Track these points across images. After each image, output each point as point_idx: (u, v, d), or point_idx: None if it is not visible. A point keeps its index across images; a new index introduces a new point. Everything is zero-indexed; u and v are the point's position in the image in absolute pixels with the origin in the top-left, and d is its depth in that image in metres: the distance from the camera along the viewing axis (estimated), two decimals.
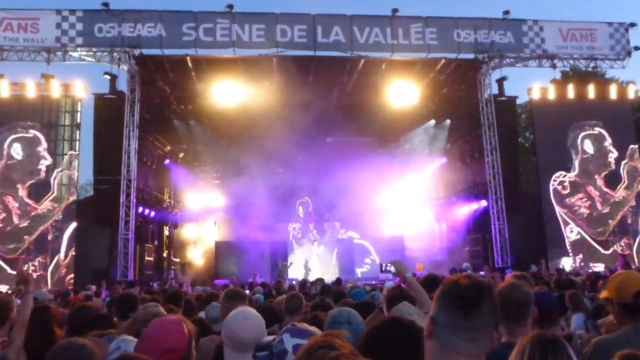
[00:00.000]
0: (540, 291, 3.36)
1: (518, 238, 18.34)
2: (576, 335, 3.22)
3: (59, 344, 2.55)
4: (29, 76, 17.64)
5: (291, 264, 19.93)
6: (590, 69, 20.93)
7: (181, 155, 23.47)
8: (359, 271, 21.16)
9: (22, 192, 16.72)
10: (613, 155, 19.45)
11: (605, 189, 19.15)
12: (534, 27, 19.08)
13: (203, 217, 22.89)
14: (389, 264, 3.64)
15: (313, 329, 1.96)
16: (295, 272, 19.65)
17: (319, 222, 23.18)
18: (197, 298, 6.02)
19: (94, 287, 9.16)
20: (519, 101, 21.69)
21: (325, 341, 1.33)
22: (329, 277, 15.95)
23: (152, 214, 19.78)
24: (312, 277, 17.48)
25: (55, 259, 16.58)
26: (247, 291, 9.63)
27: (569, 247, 18.65)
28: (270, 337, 1.99)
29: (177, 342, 2.00)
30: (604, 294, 2.69)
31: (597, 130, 19.51)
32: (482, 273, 15.93)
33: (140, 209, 18.16)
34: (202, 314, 5.20)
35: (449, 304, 1.45)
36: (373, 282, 14.98)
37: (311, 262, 21.18)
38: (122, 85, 17.71)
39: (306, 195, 22.57)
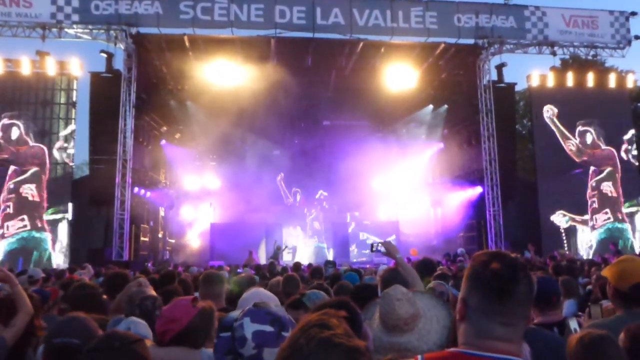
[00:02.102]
0: (541, 276, 3.39)
1: (513, 225, 18.47)
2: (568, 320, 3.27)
3: (60, 318, 2.58)
4: (23, 53, 17.45)
5: (285, 247, 20.02)
6: (590, 57, 20.84)
7: (177, 135, 23.32)
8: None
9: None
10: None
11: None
12: (536, 13, 18.93)
13: (199, 198, 22.86)
14: (379, 244, 3.65)
15: (275, 309, 1.79)
16: (288, 255, 19.80)
17: (312, 205, 23.23)
18: (193, 279, 6.04)
19: (90, 266, 9.16)
20: (517, 88, 21.65)
21: (320, 320, 1.30)
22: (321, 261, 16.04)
23: (148, 194, 19.74)
24: (303, 260, 17.65)
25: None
26: (240, 270, 9.70)
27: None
28: (236, 313, 1.84)
29: (178, 314, 2.28)
30: (605, 272, 2.70)
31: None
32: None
33: (136, 189, 18.12)
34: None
35: (480, 288, 1.35)
36: (367, 266, 15.07)
37: (302, 245, 21.38)
38: (119, 63, 17.55)
39: (303, 177, 22.53)
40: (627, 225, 19.25)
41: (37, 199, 16.52)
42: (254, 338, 1.65)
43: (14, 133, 16.88)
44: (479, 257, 1.41)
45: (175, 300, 2.41)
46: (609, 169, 19.40)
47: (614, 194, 19.30)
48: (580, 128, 19.49)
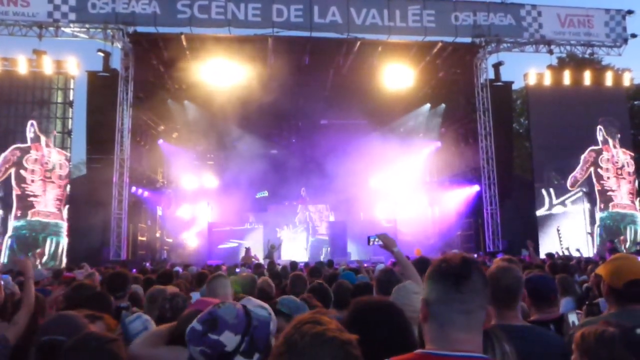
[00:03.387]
0: (539, 274, 3.42)
1: (510, 223, 18.52)
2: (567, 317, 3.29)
3: (50, 317, 2.60)
4: (19, 51, 17.38)
5: (280, 245, 19.99)
6: (586, 56, 20.91)
7: (175, 135, 23.31)
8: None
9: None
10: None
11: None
12: (532, 12, 18.99)
13: (196, 197, 22.87)
14: (376, 238, 3.63)
15: (222, 310, 1.73)
16: (287, 254, 19.77)
17: (311, 204, 23.22)
18: (192, 278, 6.06)
19: (87, 266, 9.15)
20: (514, 87, 21.68)
21: (313, 317, 1.37)
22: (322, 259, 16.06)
23: (146, 193, 19.74)
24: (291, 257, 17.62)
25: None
26: (238, 270, 9.71)
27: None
28: None
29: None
30: (599, 270, 2.73)
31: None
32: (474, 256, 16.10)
33: (134, 189, 18.11)
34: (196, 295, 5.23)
35: (439, 279, 1.46)
36: (365, 265, 15.07)
37: (287, 239, 21.35)
38: (116, 63, 17.52)
39: (301, 177, 22.53)
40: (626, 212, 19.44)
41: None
42: (187, 332, 1.71)
43: (30, 131, 16.97)
44: (434, 260, 1.55)
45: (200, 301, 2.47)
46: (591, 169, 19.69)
47: (598, 187, 19.53)
48: (599, 126, 19.74)
